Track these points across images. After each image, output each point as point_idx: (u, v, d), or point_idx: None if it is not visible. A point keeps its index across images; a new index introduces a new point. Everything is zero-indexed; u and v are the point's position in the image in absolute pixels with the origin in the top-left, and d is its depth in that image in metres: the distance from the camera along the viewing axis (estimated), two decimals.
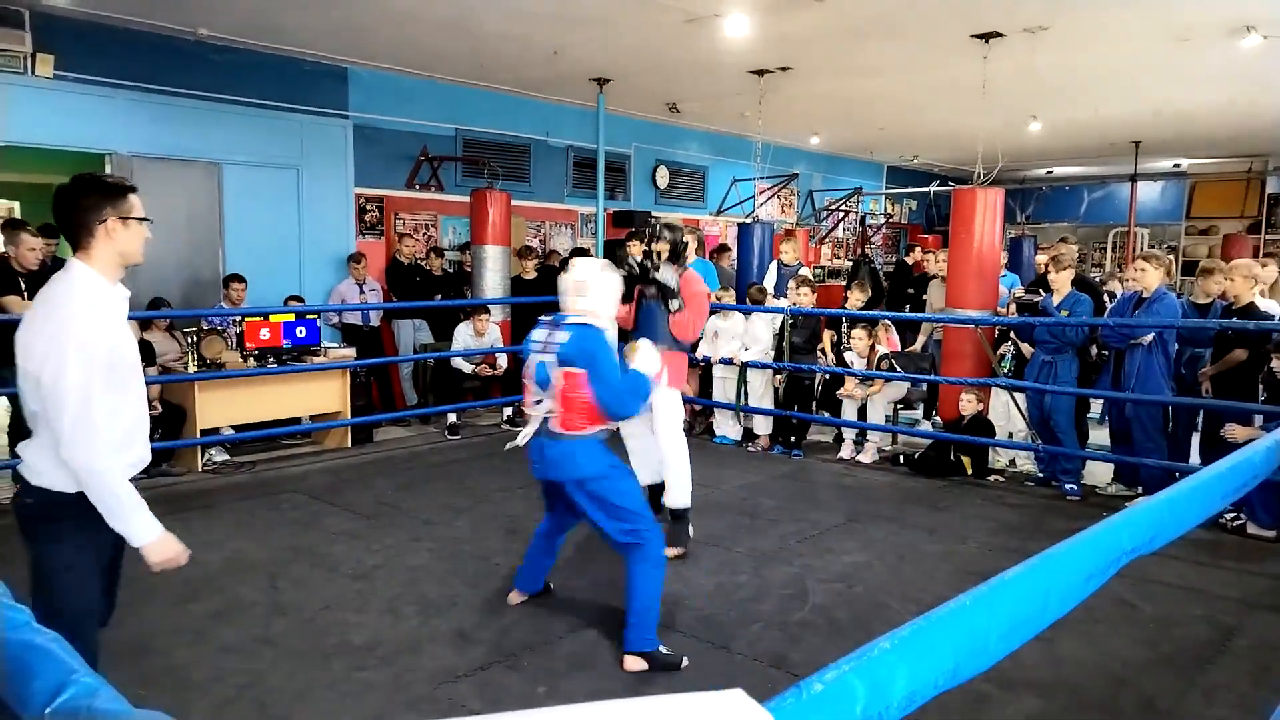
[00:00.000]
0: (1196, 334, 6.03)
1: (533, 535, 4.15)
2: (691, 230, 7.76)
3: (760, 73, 8.78)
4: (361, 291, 8.52)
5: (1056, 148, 13.69)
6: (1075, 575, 1.51)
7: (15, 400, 3.28)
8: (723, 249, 10.46)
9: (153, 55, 7.49)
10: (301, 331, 7.23)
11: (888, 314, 8.10)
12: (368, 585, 4.40)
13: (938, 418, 7.75)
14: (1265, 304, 6.11)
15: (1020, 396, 6.70)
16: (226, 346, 6.94)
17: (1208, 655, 3.83)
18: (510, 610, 4.11)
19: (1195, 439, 6.19)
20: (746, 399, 7.64)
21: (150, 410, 6.33)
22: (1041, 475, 6.67)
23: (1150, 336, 5.89)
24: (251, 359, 6.94)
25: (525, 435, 3.70)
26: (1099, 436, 7.14)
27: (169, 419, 6.54)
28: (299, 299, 8.11)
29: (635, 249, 6.43)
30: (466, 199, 9.16)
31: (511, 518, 5.47)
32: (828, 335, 7.75)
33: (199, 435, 6.61)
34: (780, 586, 4.47)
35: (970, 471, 6.73)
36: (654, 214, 11.72)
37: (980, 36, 7.27)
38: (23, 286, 5.79)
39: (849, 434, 7.49)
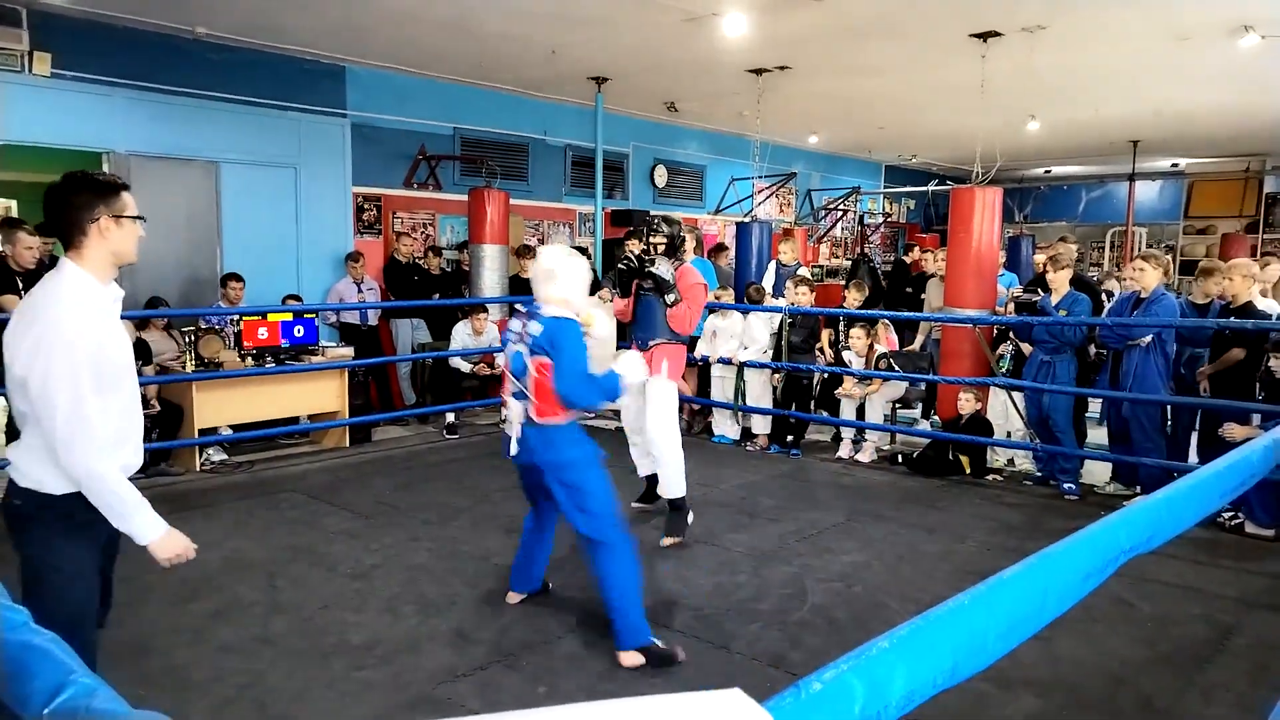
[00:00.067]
0: (1195, 334, 6.04)
1: (521, 533, 4.16)
2: (690, 229, 7.79)
3: (758, 72, 8.79)
4: (359, 291, 8.52)
5: (1055, 147, 13.70)
6: (1073, 574, 1.51)
7: None
8: (720, 248, 10.46)
9: (150, 54, 7.48)
10: (299, 331, 7.22)
11: (886, 313, 8.10)
12: (366, 585, 4.40)
13: (936, 417, 7.76)
14: (1265, 304, 6.12)
15: (1019, 396, 6.70)
16: (224, 346, 6.94)
17: (1206, 654, 3.83)
18: (509, 610, 4.11)
19: (1194, 439, 6.20)
20: (745, 398, 7.64)
21: (148, 409, 6.39)
22: (1040, 474, 6.67)
23: (1149, 337, 5.89)
24: (249, 358, 6.93)
25: (510, 427, 3.75)
26: (1097, 436, 7.15)
27: (167, 418, 6.54)
28: (297, 298, 8.10)
29: (634, 247, 6.44)
30: (465, 198, 9.16)
31: (511, 517, 5.46)
32: (826, 334, 7.75)
33: (197, 435, 6.60)
34: (779, 586, 4.47)
35: (969, 471, 6.73)
36: (652, 213, 11.71)
37: (979, 36, 7.27)
38: (20, 286, 5.78)
39: (847, 433, 7.49)
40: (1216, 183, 15.73)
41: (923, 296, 8.95)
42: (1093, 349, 6.48)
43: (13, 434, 4.63)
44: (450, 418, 8.06)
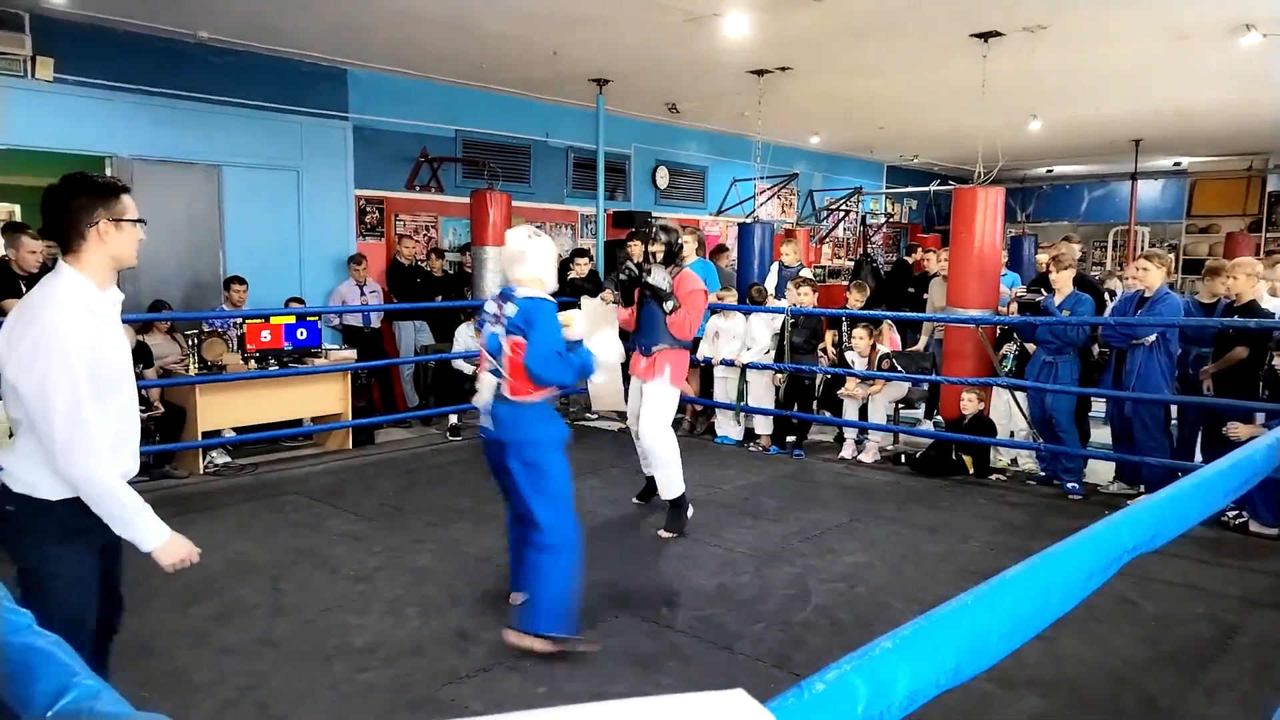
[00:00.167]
0: (1201, 334, 6.03)
1: (507, 531, 4.15)
2: (692, 231, 7.80)
3: (760, 72, 8.78)
4: (362, 293, 8.52)
5: (1057, 146, 13.68)
6: (1076, 574, 1.51)
7: None
8: (720, 249, 10.46)
9: (152, 58, 7.49)
10: (302, 333, 7.23)
11: (889, 314, 8.10)
12: (369, 587, 4.40)
13: (939, 417, 7.75)
14: (1273, 302, 6.10)
15: (1021, 395, 6.70)
16: (228, 349, 6.95)
17: (1210, 653, 3.83)
18: (511, 611, 4.10)
19: (1200, 438, 6.18)
20: (747, 399, 7.64)
21: (152, 411, 6.40)
22: (1043, 474, 6.66)
23: (1153, 337, 5.88)
24: (252, 361, 6.94)
25: (480, 400, 3.83)
26: (1101, 435, 7.14)
27: (170, 420, 6.55)
28: (299, 301, 8.12)
29: (636, 249, 6.50)
30: (467, 200, 9.16)
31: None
32: (830, 335, 7.75)
33: (200, 438, 6.61)
34: (782, 586, 4.47)
35: (972, 471, 6.73)
36: (654, 214, 11.73)
37: (980, 36, 7.26)
38: (23, 290, 5.79)
39: (850, 434, 7.48)
40: (1219, 181, 15.71)
41: (925, 296, 8.94)
42: (1096, 349, 6.47)
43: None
44: (453, 419, 8.06)
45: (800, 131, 12.85)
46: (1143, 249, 11.45)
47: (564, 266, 9.30)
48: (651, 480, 5.62)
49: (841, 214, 14.37)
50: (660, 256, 5.21)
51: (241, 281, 7.49)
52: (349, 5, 6.70)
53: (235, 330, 7.31)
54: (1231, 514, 5.49)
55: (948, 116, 10.84)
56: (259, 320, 7.03)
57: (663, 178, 12.30)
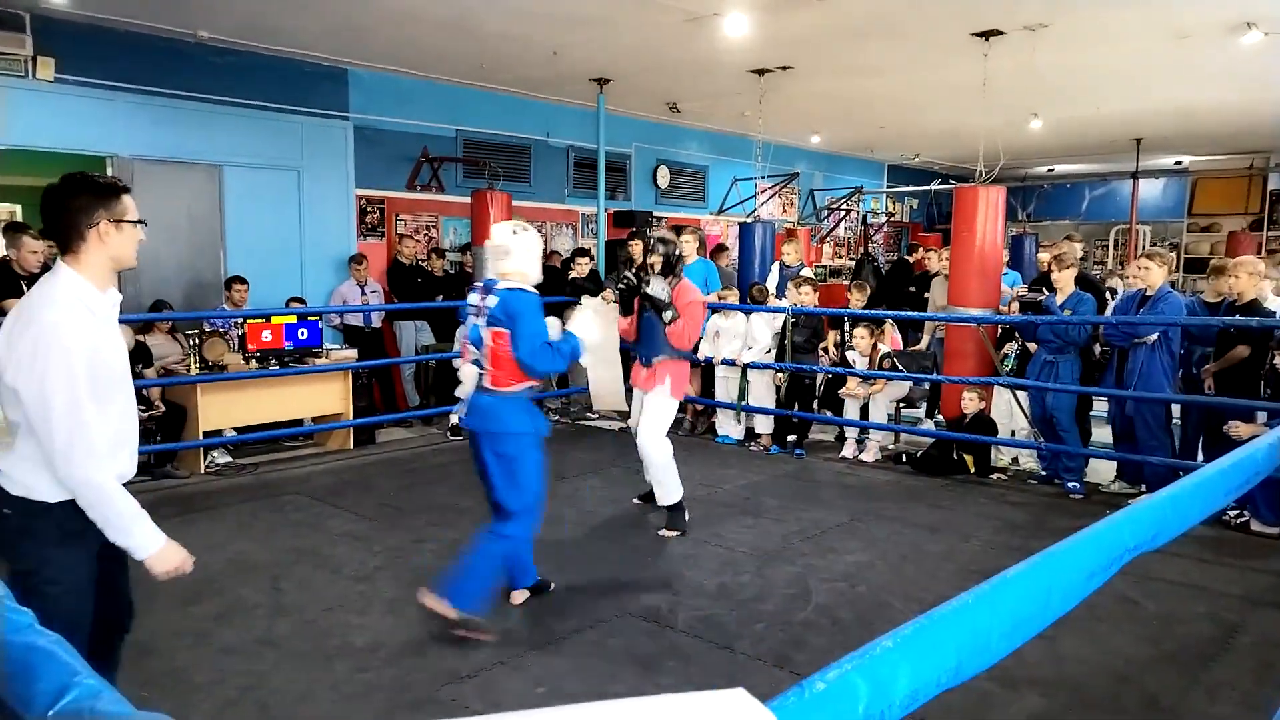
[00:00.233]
0: (1206, 333, 6.02)
1: None
2: (693, 230, 7.80)
3: (760, 72, 8.78)
4: (363, 293, 8.52)
5: (1058, 145, 13.67)
6: (1077, 573, 1.51)
7: None
8: (720, 249, 10.46)
9: (153, 58, 7.49)
10: (303, 333, 7.24)
11: (889, 313, 8.09)
12: (370, 587, 4.40)
13: (940, 416, 7.75)
14: (1276, 302, 6.10)
15: (1023, 395, 6.69)
16: (229, 348, 6.95)
17: (1211, 652, 3.82)
18: (512, 611, 4.11)
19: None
20: (748, 399, 7.64)
21: (153, 410, 6.40)
22: (1044, 473, 6.66)
23: (1155, 336, 5.88)
24: (253, 361, 6.95)
25: (462, 391, 3.92)
26: (1102, 435, 7.13)
27: (171, 420, 6.55)
28: (300, 300, 8.12)
29: (636, 249, 6.50)
30: (467, 200, 9.17)
31: None
32: (832, 335, 7.75)
33: (201, 437, 6.61)
34: (783, 586, 4.47)
35: (973, 470, 6.72)
36: (655, 214, 11.74)
37: (980, 35, 7.26)
38: (24, 290, 5.79)
39: (851, 433, 7.48)
40: (1220, 180, 15.70)
41: (926, 295, 8.93)
42: (1097, 348, 6.46)
43: None
44: (454, 419, 8.05)
45: (801, 131, 12.85)
46: (1144, 248, 11.45)
47: (565, 266, 9.32)
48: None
49: (842, 213, 14.37)
50: (659, 267, 5.22)
51: (242, 281, 7.49)
52: (349, 5, 6.70)
53: (236, 330, 7.31)
54: (1233, 513, 5.49)
55: (948, 115, 10.84)
56: (260, 320, 7.03)
57: (663, 177, 12.30)
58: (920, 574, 4.68)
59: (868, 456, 7.25)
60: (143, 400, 6.33)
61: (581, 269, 8.60)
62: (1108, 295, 7.80)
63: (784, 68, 8.64)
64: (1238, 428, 5.33)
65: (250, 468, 6.81)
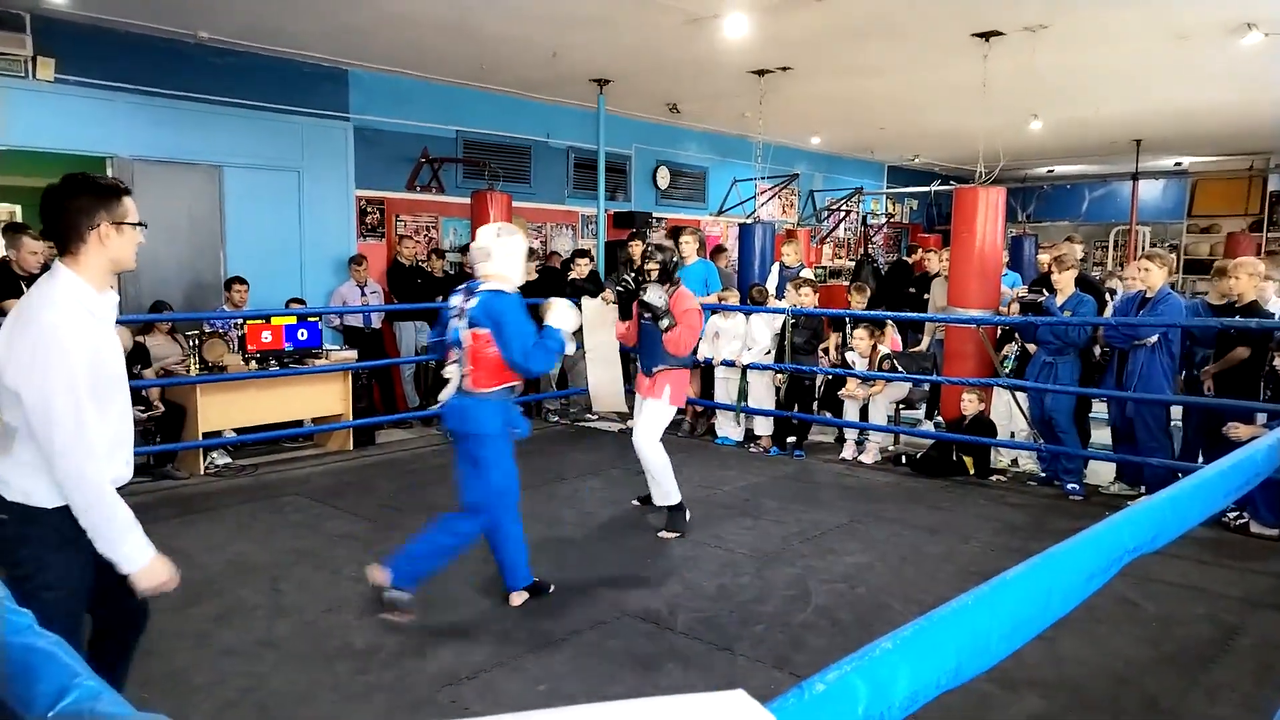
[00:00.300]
0: (1208, 334, 6.01)
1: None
2: (693, 231, 7.80)
3: (760, 73, 8.78)
4: (363, 293, 8.53)
5: (1057, 146, 13.68)
6: (1077, 574, 1.51)
7: None
8: (719, 249, 10.46)
9: (153, 58, 7.50)
10: (303, 334, 7.24)
11: (889, 314, 8.10)
12: (369, 588, 4.40)
13: (940, 418, 7.75)
14: (1277, 303, 6.09)
15: (1022, 396, 6.69)
16: (228, 349, 6.95)
17: (1210, 654, 3.82)
18: (512, 612, 4.11)
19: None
20: (748, 400, 7.64)
21: (152, 410, 6.40)
22: (1044, 475, 6.66)
23: (1155, 337, 5.88)
24: (253, 361, 6.95)
25: (445, 394, 4.00)
26: (1102, 436, 7.13)
27: (171, 421, 6.55)
28: (300, 301, 8.12)
29: (636, 250, 6.52)
30: (467, 200, 9.17)
31: None
32: (834, 337, 7.75)
33: (201, 438, 6.61)
34: (783, 587, 4.47)
35: (972, 471, 6.72)
36: (655, 215, 11.74)
37: (980, 35, 7.26)
38: (24, 290, 5.79)
39: (851, 434, 7.48)
40: (1220, 181, 15.70)
41: (926, 296, 8.94)
42: (1097, 350, 6.46)
43: None
44: None
45: (801, 132, 12.85)
46: (1144, 249, 11.45)
47: (565, 267, 9.31)
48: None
49: (842, 214, 14.37)
50: (656, 274, 5.23)
51: (242, 282, 7.49)
52: (350, 7, 6.70)
53: (236, 331, 7.31)
54: (1232, 515, 5.49)
55: (948, 117, 10.84)
56: (260, 321, 7.03)
57: (663, 178, 12.30)
58: (920, 575, 4.68)
59: (867, 458, 7.25)
60: (142, 401, 6.33)
61: (581, 270, 8.60)
62: (1107, 296, 7.80)
63: (784, 69, 8.64)
64: (1237, 429, 5.33)
65: (250, 469, 6.81)
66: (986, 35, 7.23)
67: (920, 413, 8.28)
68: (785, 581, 4.55)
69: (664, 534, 5.24)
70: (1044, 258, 7.90)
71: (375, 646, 3.75)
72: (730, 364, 7.66)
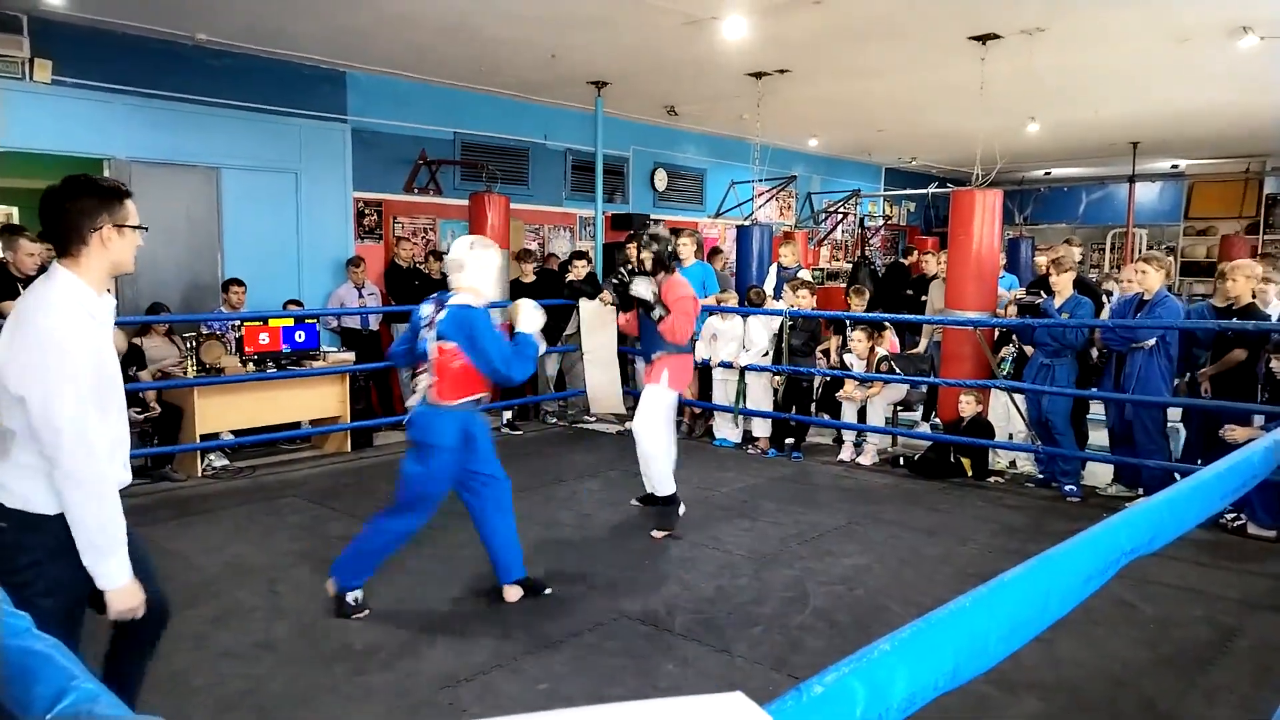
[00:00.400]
0: (1209, 337, 6.01)
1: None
2: (690, 233, 7.81)
3: (758, 75, 8.79)
4: (360, 295, 8.52)
5: (1055, 149, 13.70)
6: (1075, 576, 1.51)
7: None
8: (715, 252, 10.46)
9: (151, 60, 7.49)
10: (300, 336, 7.23)
11: (887, 316, 8.10)
12: (367, 590, 4.38)
13: (937, 419, 7.75)
14: (1276, 306, 6.10)
15: (1020, 397, 6.70)
16: (226, 351, 6.94)
17: (1208, 656, 3.83)
18: (511, 614, 4.11)
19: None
20: (745, 401, 7.64)
21: (149, 411, 6.39)
22: (1042, 476, 6.67)
23: (1153, 340, 5.88)
24: (251, 363, 6.94)
25: (411, 403, 4.06)
26: (1099, 438, 7.14)
27: (168, 422, 6.54)
28: (298, 303, 8.11)
29: (633, 252, 6.55)
30: (465, 202, 9.17)
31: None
32: (834, 340, 7.75)
33: (198, 440, 6.60)
34: (780, 589, 4.47)
35: (970, 473, 6.73)
36: (652, 217, 11.74)
37: (978, 38, 7.28)
38: (21, 292, 5.79)
39: (849, 436, 7.48)
40: (1217, 184, 15.72)
41: (924, 299, 8.94)
42: (1094, 352, 6.47)
43: None
44: None
45: (799, 134, 12.86)
46: (1141, 251, 11.46)
47: (563, 268, 9.31)
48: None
49: (840, 216, 14.38)
50: (649, 264, 5.26)
51: (240, 284, 7.49)
52: (348, 8, 6.70)
53: (233, 332, 7.30)
54: (1230, 516, 5.49)
55: (946, 119, 10.86)
56: (257, 323, 7.02)
57: (661, 180, 12.31)
58: (918, 577, 4.69)
59: (865, 459, 7.26)
60: (138, 402, 6.32)
61: (579, 271, 8.60)
62: (1104, 299, 7.81)
63: (782, 71, 8.65)
64: (1233, 431, 5.34)
65: (247, 470, 6.80)
66: (984, 38, 7.25)
67: (918, 414, 8.29)
68: (783, 583, 4.55)
69: (655, 533, 5.23)
70: (1042, 260, 7.91)
71: (374, 648, 3.74)
72: (728, 365, 7.67)
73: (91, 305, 2.26)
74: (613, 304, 5.51)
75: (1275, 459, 2.53)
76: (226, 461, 6.89)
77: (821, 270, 13.88)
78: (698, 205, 12.90)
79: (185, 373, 6.69)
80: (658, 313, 5.10)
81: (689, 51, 7.81)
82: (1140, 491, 6.20)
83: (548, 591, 4.32)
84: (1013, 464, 7.07)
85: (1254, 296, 5.89)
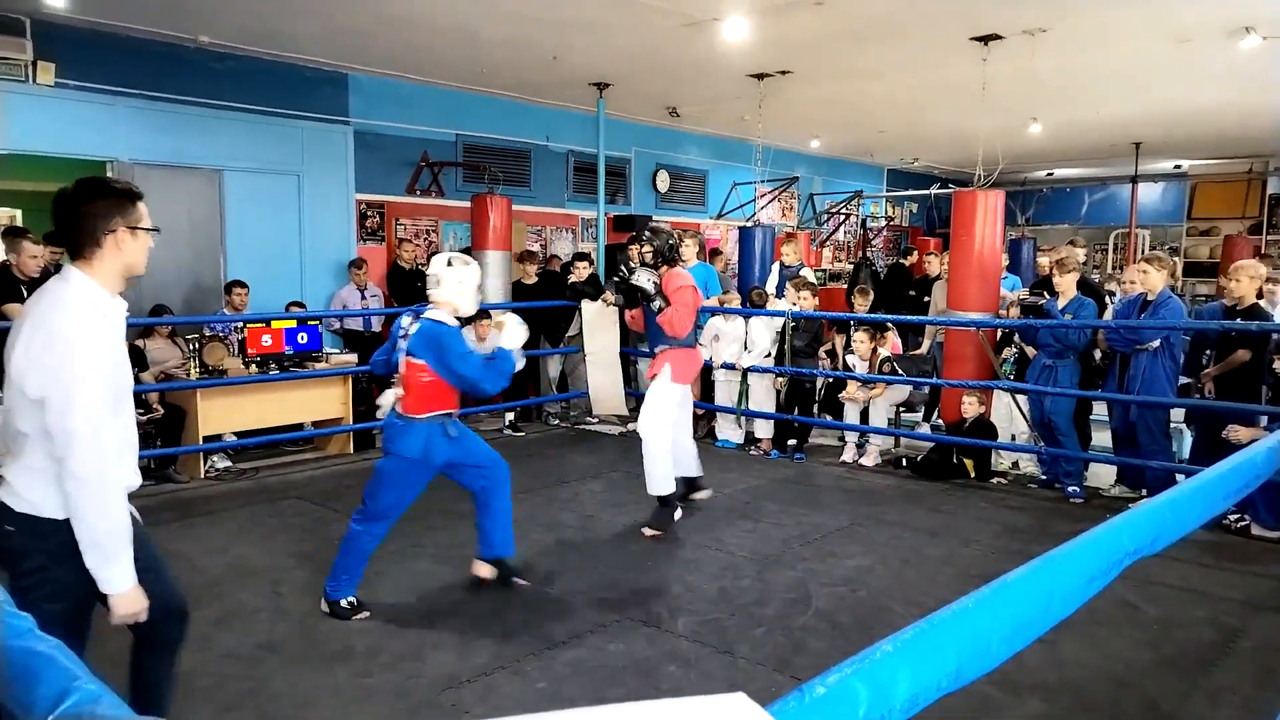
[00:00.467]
0: (1219, 337, 5.99)
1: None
2: (693, 235, 7.81)
3: (760, 76, 8.79)
4: (363, 297, 8.53)
5: (1057, 149, 13.69)
6: (1077, 577, 1.51)
7: None
8: (715, 253, 10.46)
9: (154, 62, 7.51)
10: (303, 338, 7.24)
11: (889, 317, 8.10)
12: (369, 591, 4.39)
13: (940, 420, 7.75)
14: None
15: (1022, 399, 6.69)
16: (228, 353, 6.95)
17: (1211, 657, 3.82)
18: (513, 615, 4.11)
19: None
20: (748, 403, 7.64)
21: (152, 413, 6.40)
22: (1045, 477, 6.66)
23: (1157, 342, 5.87)
24: (253, 365, 6.95)
25: (381, 414, 4.14)
26: (1102, 439, 7.13)
27: (171, 424, 6.55)
28: (300, 305, 8.12)
29: (635, 254, 6.57)
30: (467, 204, 9.17)
31: (514, 521, 5.45)
32: (838, 340, 7.75)
33: (201, 442, 6.61)
34: (783, 590, 4.47)
35: (973, 474, 6.72)
36: (654, 218, 11.74)
37: (980, 39, 7.27)
38: (24, 295, 5.80)
39: (851, 437, 7.48)
40: (1219, 184, 15.70)
41: (926, 299, 8.94)
42: (1097, 353, 6.46)
43: None
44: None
45: (800, 135, 12.86)
46: (1143, 252, 11.45)
47: (564, 270, 9.32)
48: (685, 484, 5.71)
49: (842, 217, 14.37)
50: (650, 258, 5.29)
51: (242, 285, 7.50)
52: (350, 11, 6.71)
53: (236, 334, 7.31)
54: (1233, 517, 5.48)
55: (948, 120, 10.85)
56: (260, 324, 7.03)
57: (663, 181, 12.31)
58: (920, 578, 4.68)
59: (868, 461, 7.25)
60: (141, 404, 6.33)
61: (581, 273, 8.60)
62: (1107, 300, 7.80)
63: (783, 72, 8.65)
64: (1237, 431, 5.33)
65: (250, 472, 6.81)
66: (986, 39, 7.24)
67: (920, 415, 8.28)
68: (786, 584, 4.54)
69: (646, 531, 5.25)
70: (1045, 260, 7.90)
71: (376, 649, 3.74)
72: (730, 367, 7.67)
73: (106, 307, 2.26)
74: (615, 304, 5.54)
75: (1278, 460, 2.52)
76: (229, 463, 6.90)
77: (824, 271, 13.88)
78: (700, 206, 12.90)
79: (188, 374, 6.70)
80: (658, 304, 5.14)
81: (690, 53, 7.81)
82: (1144, 492, 6.19)
83: (521, 582, 4.39)
84: (1015, 465, 7.06)
85: (1260, 297, 5.88)
